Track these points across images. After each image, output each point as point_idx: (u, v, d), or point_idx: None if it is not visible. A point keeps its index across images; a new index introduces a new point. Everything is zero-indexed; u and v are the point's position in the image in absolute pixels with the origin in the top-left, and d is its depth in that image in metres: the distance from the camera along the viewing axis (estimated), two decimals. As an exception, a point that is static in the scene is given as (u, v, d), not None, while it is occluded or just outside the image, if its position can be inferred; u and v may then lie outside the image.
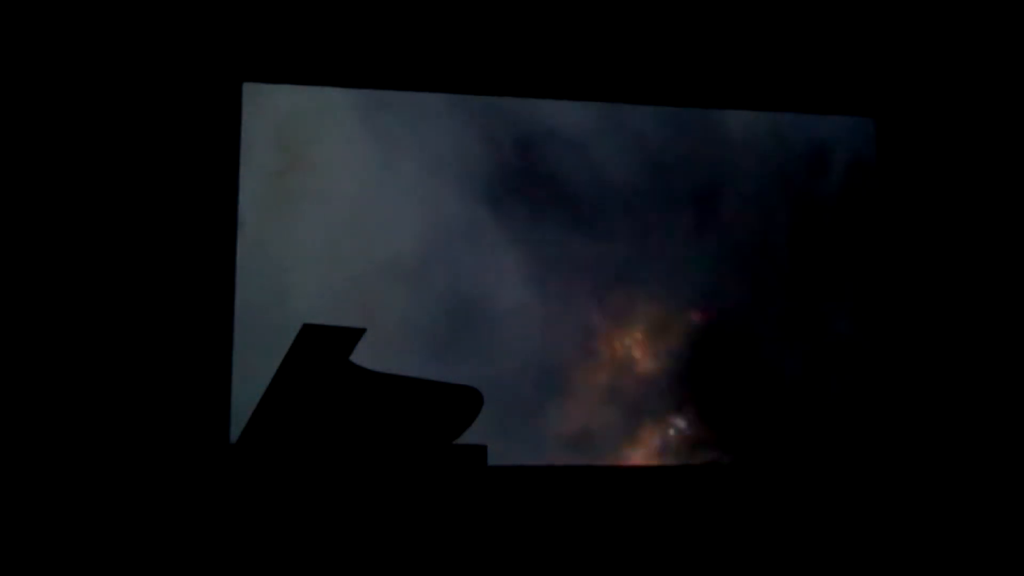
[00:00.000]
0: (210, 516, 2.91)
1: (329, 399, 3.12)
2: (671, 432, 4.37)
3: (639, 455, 4.33)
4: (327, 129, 4.29)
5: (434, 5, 4.38)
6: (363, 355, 3.17)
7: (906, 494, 4.39)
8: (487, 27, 4.42)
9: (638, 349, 4.43)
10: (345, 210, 4.24)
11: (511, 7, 4.44)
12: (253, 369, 3.83)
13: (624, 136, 4.51)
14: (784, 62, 4.65)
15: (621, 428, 4.34)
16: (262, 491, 2.90)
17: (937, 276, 4.59)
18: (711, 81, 4.60)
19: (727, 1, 4.59)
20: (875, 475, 4.43)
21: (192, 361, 3.99)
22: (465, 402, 3.24)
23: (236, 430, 3.90)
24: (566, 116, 4.48)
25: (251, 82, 4.23)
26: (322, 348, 3.09)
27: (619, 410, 4.35)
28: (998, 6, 4.70)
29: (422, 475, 2.98)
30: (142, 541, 3.75)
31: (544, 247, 4.39)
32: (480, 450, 3.07)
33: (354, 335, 3.11)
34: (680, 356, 4.44)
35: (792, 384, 4.49)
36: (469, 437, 3.27)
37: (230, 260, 4.11)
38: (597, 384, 4.36)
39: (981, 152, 4.67)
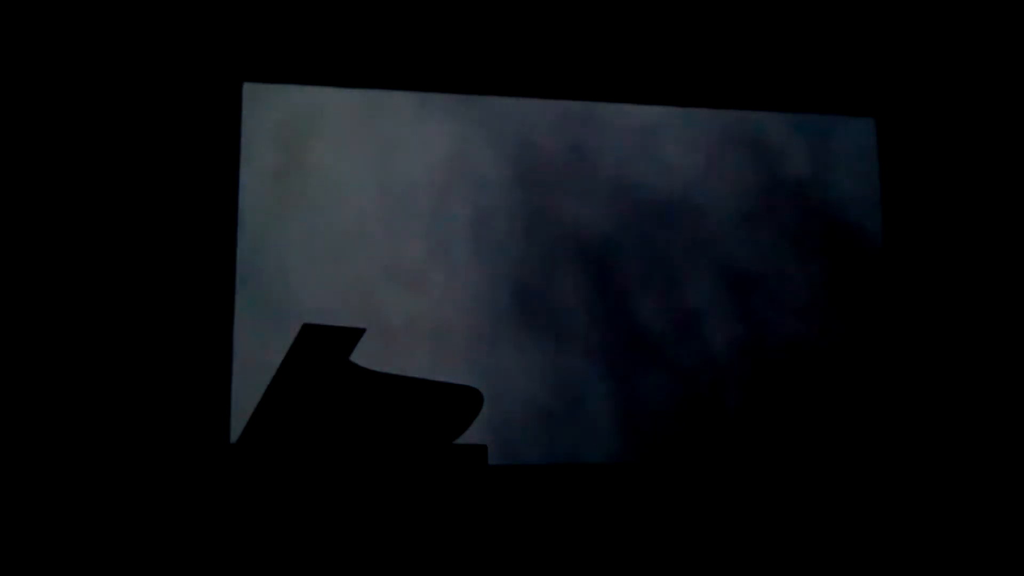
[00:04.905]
0: (210, 516, 2.91)
1: (329, 399, 3.12)
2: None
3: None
4: (327, 129, 4.29)
5: (433, 5, 4.38)
6: (363, 355, 3.17)
7: (892, 494, 4.40)
8: (486, 27, 4.42)
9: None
10: (345, 210, 4.24)
11: (510, 7, 4.44)
12: (253, 369, 3.84)
13: (632, 136, 4.53)
14: (784, 62, 4.65)
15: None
16: (262, 491, 2.90)
17: (937, 275, 4.60)
18: (712, 81, 4.60)
19: (728, 1, 4.60)
20: (864, 473, 4.44)
21: (192, 361, 3.99)
22: (465, 402, 3.24)
23: (236, 430, 3.90)
24: (568, 115, 4.49)
25: (251, 82, 4.23)
26: (322, 348, 3.09)
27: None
28: (998, 6, 4.71)
29: (422, 475, 2.98)
30: (142, 541, 3.75)
31: (544, 248, 4.40)
32: (480, 450, 3.07)
33: (354, 335, 3.11)
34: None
35: (789, 385, 4.50)
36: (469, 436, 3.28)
37: (230, 260, 4.11)
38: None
39: (981, 152, 4.67)
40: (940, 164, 4.67)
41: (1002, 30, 4.72)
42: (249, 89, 4.23)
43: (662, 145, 4.55)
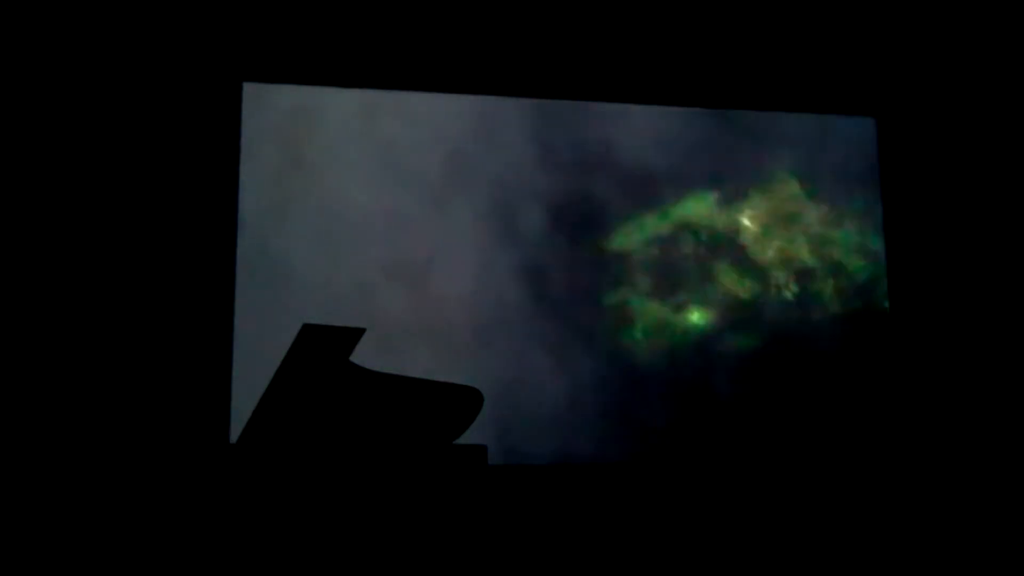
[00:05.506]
0: (210, 516, 2.91)
1: (329, 399, 3.11)
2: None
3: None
4: (327, 129, 4.29)
5: (434, 5, 4.38)
6: (363, 355, 3.17)
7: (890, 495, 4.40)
8: (485, 27, 4.42)
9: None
10: (345, 210, 4.24)
11: (511, 7, 4.44)
12: (253, 369, 3.83)
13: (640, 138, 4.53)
14: (784, 62, 4.65)
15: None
16: (262, 491, 2.90)
17: (938, 275, 4.60)
18: (712, 81, 4.60)
19: (728, 1, 4.60)
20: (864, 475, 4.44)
21: (192, 361, 3.99)
22: (465, 402, 3.24)
23: (236, 430, 3.90)
24: (569, 110, 4.49)
25: (251, 82, 4.23)
26: (322, 348, 3.09)
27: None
28: (998, 6, 4.71)
29: (422, 475, 2.98)
30: (142, 541, 3.75)
31: (544, 248, 4.40)
32: (480, 450, 3.06)
33: (354, 335, 3.11)
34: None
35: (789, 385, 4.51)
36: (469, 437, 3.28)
37: (230, 260, 4.11)
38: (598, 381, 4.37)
39: (981, 151, 4.67)
40: (940, 164, 4.67)
41: (1002, 30, 4.72)
42: (249, 89, 4.23)
43: (661, 142, 4.55)
